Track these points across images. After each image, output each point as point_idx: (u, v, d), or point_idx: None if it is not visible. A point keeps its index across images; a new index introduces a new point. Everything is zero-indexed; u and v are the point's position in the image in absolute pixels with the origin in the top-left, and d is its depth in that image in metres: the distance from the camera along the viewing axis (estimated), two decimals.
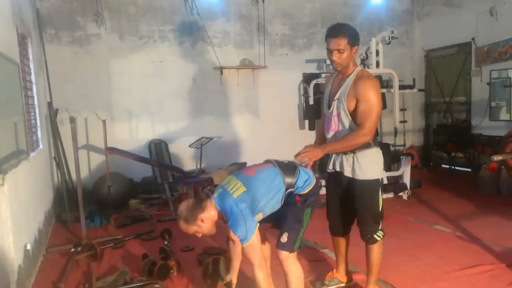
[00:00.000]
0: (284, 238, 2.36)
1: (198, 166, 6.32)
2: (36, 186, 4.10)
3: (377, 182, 2.58)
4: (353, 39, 2.43)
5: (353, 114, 2.47)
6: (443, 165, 7.23)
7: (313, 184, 2.46)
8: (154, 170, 5.75)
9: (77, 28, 5.87)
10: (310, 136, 7.01)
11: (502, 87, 6.13)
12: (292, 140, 6.93)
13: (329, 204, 2.83)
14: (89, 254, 3.75)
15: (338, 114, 2.52)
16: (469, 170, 6.65)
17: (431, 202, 5.13)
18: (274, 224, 2.52)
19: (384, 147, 6.05)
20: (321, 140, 2.81)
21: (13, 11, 3.75)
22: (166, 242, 3.91)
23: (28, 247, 3.24)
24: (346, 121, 2.51)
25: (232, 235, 2.24)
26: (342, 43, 2.40)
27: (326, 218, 2.87)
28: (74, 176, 5.37)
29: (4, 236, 2.71)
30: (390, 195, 5.30)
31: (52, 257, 3.92)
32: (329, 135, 2.63)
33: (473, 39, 6.45)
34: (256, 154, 6.73)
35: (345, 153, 2.57)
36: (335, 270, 3.00)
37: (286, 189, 2.38)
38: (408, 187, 5.26)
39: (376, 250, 2.63)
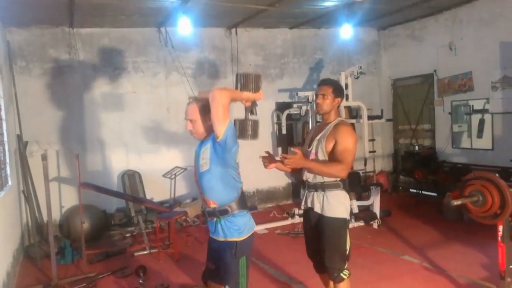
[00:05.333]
0: None
1: (172, 196, 6.31)
2: (4, 228, 4.00)
3: (344, 222, 2.78)
4: (337, 91, 2.85)
5: (329, 156, 2.73)
6: (411, 189, 7.51)
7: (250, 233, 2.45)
8: (127, 203, 5.71)
9: (48, 60, 5.80)
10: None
11: (462, 116, 6.54)
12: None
13: (306, 242, 2.99)
14: None
15: (316, 153, 2.79)
16: (435, 194, 6.94)
17: (400, 230, 5.31)
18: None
19: (355, 176, 6.25)
20: None
21: None
22: (140, 281, 3.88)
23: None
24: (322, 159, 2.75)
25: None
26: (327, 90, 2.82)
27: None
28: (43, 210, 5.25)
29: None
30: (361, 223, 5.46)
31: None
32: (305, 170, 2.84)
33: (435, 71, 6.83)
34: None
35: (316, 190, 2.79)
36: None
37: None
38: (378, 216, 5.43)
39: None
